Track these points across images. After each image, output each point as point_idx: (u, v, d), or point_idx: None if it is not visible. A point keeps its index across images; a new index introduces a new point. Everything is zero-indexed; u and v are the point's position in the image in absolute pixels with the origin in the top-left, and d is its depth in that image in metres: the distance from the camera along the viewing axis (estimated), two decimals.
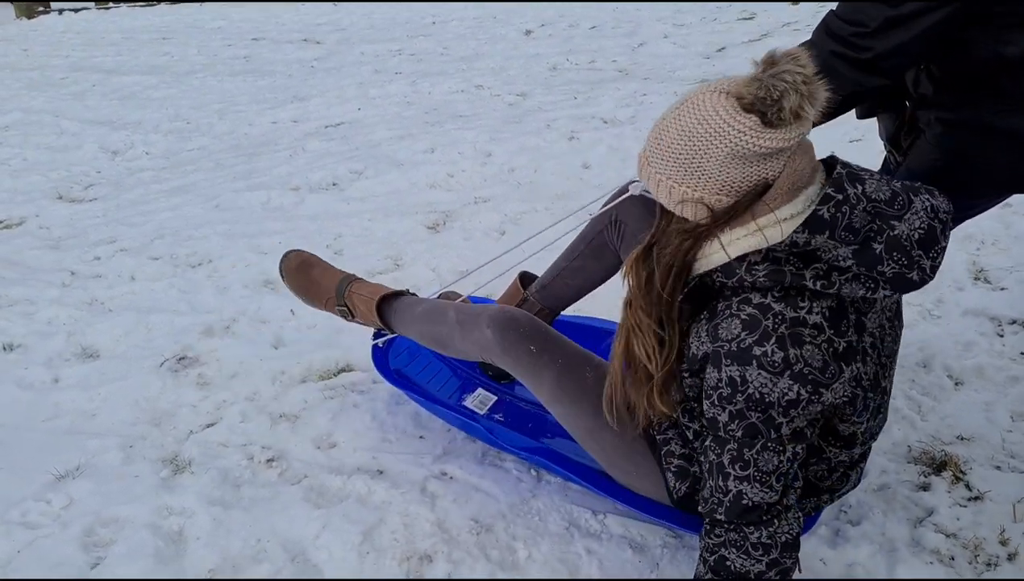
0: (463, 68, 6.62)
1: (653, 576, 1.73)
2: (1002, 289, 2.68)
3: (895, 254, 1.27)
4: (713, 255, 1.32)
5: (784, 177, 1.26)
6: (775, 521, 1.34)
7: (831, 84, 1.29)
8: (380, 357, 2.15)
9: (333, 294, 2.07)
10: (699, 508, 1.42)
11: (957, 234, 1.99)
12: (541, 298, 2.08)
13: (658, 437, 1.63)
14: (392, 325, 2.01)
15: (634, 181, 1.89)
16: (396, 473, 2.00)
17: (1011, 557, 1.72)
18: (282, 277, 2.15)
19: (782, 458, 1.32)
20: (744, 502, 1.33)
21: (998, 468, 1.96)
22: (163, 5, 12.34)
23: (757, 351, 1.27)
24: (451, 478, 1.99)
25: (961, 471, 1.94)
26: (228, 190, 4.03)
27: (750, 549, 1.35)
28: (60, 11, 11.49)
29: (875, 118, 1.98)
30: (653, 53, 6.61)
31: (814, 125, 1.30)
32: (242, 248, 3.25)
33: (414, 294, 2.09)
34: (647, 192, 1.88)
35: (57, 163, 4.68)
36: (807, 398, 1.28)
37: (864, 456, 1.57)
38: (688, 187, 1.29)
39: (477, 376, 2.23)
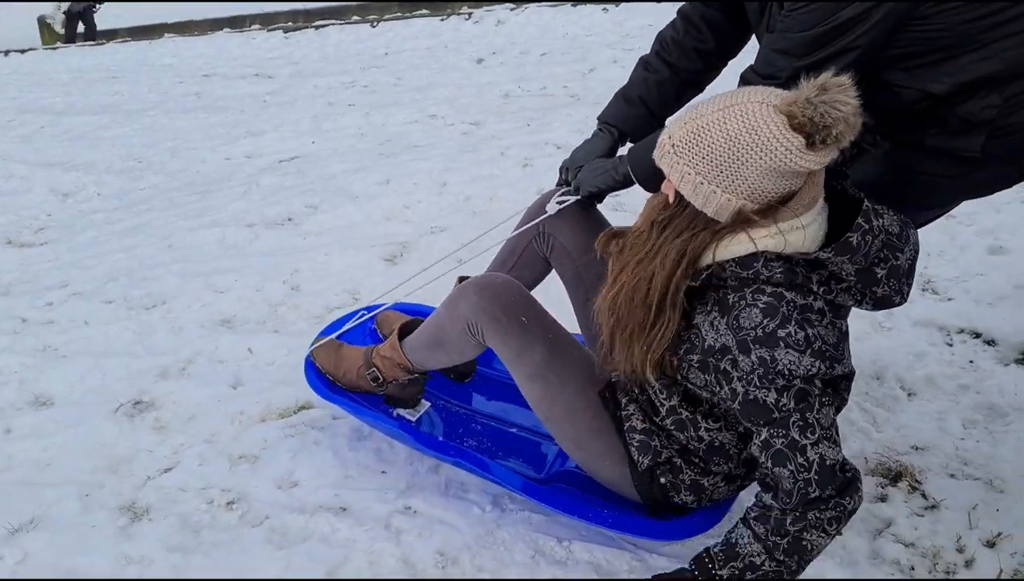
0: (417, 98, 6.65)
1: None
2: (949, 299, 2.75)
3: (891, 280, 1.45)
4: (735, 246, 1.40)
5: (807, 189, 1.38)
6: (856, 482, 1.45)
7: None
8: (313, 371, 2.12)
9: (362, 362, 2.06)
10: (781, 502, 1.44)
11: None
12: None
13: (620, 414, 1.71)
14: (414, 364, 2.00)
15: (553, 200, 1.96)
16: (359, 510, 1.99)
17: (968, 564, 1.76)
18: (313, 360, 2.13)
19: (832, 409, 1.43)
20: (829, 463, 1.41)
21: (952, 476, 2.00)
22: (112, 44, 12.24)
23: (781, 333, 1.37)
24: (415, 512, 1.98)
25: (917, 481, 1.98)
26: (182, 229, 3.99)
27: (826, 526, 1.43)
28: (6, 52, 11.33)
29: None
30: (603, 78, 6.69)
31: None
32: (197, 287, 3.21)
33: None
34: (560, 203, 1.94)
35: (6, 207, 4.60)
36: (825, 371, 1.40)
37: None
38: (719, 187, 1.36)
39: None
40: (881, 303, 1.47)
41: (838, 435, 1.45)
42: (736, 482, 1.70)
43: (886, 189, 1.77)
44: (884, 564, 1.77)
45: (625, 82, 2.07)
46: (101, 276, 3.44)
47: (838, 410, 1.50)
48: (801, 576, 1.72)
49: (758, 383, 1.40)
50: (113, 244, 3.90)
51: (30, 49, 12.16)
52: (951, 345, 2.53)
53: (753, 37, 1.91)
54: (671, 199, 1.45)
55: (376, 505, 2.00)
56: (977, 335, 2.56)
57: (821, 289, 1.41)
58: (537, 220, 2.00)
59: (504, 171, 4.37)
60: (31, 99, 8.11)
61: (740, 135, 1.33)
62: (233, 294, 3.14)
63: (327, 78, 7.93)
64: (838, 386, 1.47)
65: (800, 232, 1.38)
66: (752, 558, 1.47)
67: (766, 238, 1.38)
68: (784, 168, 1.33)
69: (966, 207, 2.29)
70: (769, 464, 1.43)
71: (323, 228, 3.86)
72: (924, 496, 1.94)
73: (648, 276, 1.46)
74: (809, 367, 1.38)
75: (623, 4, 10.00)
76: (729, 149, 1.34)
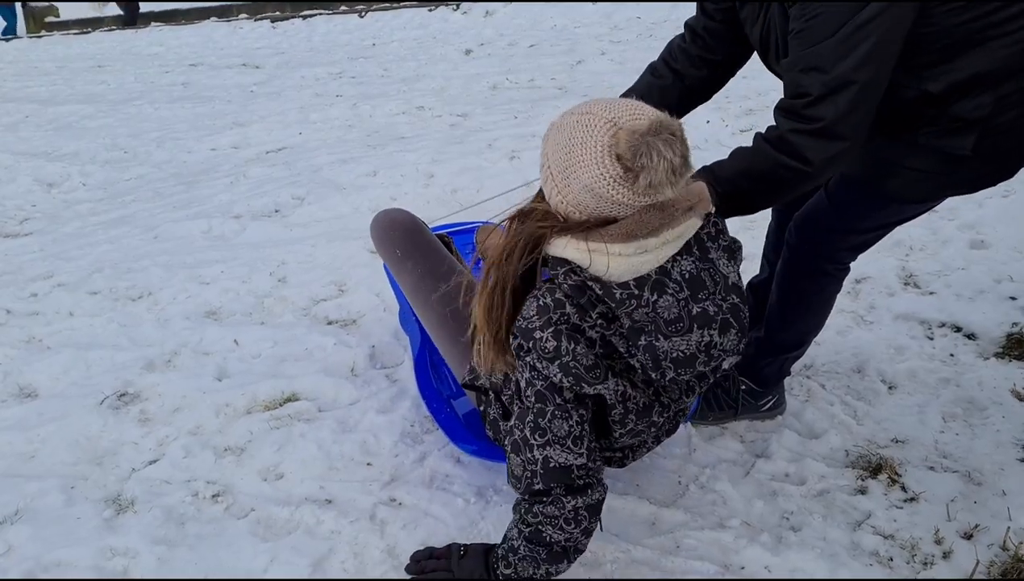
0: (404, 89, 6.63)
1: None
2: (931, 293, 2.77)
3: (647, 355, 1.43)
4: (558, 247, 1.42)
5: (627, 222, 1.38)
6: (588, 489, 1.52)
7: (804, 168, 1.53)
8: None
9: None
10: (515, 487, 1.56)
11: (887, 241, 2.06)
12: None
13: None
14: None
15: None
16: (344, 501, 2.00)
17: (946, 555, 1.78)
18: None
19: (571, 422, 1.47)
20: (552, 465, 1.48)
21: (932, 469, 2.02)
22: (98, 32, 12.16)
23: (537, 335, 1.42)
24: (400, 504, 1.99)
25: (897, 473, 2.00)
26: (168, 220, 3.98)
27: (563, 525, 1.52)
28: None
29: None
30: (591, 70, 6.70)
31: None
32: (183, 279, 3.21)
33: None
34: None
35: None
36: (571, 386, 1.43)
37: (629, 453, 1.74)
38: (556, 186, 1.41)
39: None
40: (642, 369, 1.46)
41: (577, 445, 1.48)
42: None
43: (870, 180, 1.79)
44: (863, 555, 1.79)
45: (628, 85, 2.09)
46: (86, 267, 3.43)
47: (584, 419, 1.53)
48: (773, 576, 1.75)
49: (520, 363, 1.48)
50: (98, 235, 3.89)
51: (15, 37, 12.06)
52: (932, 339, 2.56)
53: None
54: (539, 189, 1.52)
55: (361, 497, 2.01)
56: (958, 329, 2.58)
57: (599, 321, 1.42)
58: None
59: (491, 163, 4.37)
60: (15, 88, 8.05)
61: (573, 145, 1.36)
62: (219, 286, 3.13)
63: (314, 68, 7.91)
64: (584, 401, 1.49)
65: (604, 258, 1.37)
66: (512, 541, 1.58)
67: (578, 251, 1.39)
68: (599, 191, 1.35)
69: (948, 202, 2.31)
70: (510, 446, 1.54)
71: (310, 220, 3.85)
72: (903, 488, 1.96)
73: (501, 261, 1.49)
74: (553, 375, 1.43)
75: None
76: (564, 154, 1.37)
